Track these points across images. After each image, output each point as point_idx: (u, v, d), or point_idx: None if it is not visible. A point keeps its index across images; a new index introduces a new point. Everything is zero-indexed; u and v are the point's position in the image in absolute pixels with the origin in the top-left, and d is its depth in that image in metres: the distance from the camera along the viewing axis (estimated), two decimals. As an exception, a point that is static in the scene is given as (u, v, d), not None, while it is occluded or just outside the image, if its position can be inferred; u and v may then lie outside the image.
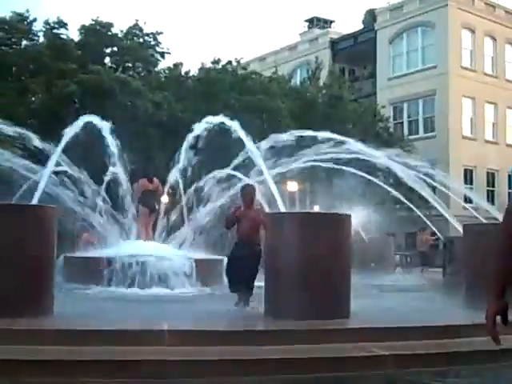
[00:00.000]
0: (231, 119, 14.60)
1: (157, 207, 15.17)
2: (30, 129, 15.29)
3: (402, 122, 42.34)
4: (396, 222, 35.04)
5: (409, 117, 42.32)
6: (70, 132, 12.39)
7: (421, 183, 15.44)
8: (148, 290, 11.71)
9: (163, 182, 15.78)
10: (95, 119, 14.23)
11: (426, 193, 15.59)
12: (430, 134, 40.15)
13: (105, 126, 14.44)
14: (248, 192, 9.63)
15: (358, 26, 51.60)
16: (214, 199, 15.78)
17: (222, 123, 14.69)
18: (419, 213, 19.94)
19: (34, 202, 9.10)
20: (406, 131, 41.09)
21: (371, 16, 47.12)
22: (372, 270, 18.62)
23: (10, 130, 14.69)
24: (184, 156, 15.20)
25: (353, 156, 15.68)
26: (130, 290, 11.67)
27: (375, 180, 20.81)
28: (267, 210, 14.43)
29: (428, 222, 18.71)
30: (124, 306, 9.63)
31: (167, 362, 6.10)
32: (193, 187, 16.38)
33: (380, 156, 15.28)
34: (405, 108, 42.51)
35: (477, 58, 40.89)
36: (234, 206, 10.00)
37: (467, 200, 21.76)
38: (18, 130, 14.57)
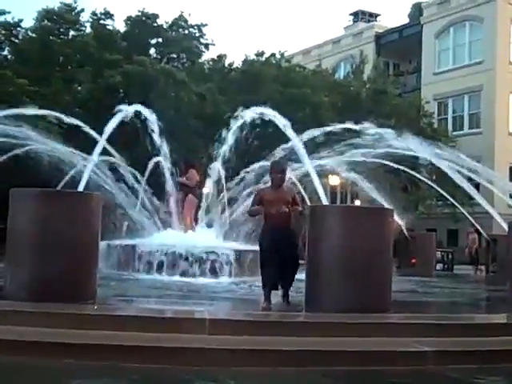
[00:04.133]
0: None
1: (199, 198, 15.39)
2: (77, 117, 15.51)
3: (446, 118, 41.80)
4: (438, 218, 34.71)
5: (454, 112, 41.75)
6: (114, 121, 12.52)
7: (465, 179, 15.22)
8: (190, 279, 11.82)
9: (205, 171, 15.91)
10: (140, 108, 14.38)
11: (470, 189, 15.37)
12: (476, 130, 39.58)
13: (150, 116, 14.59)
14: (277, 169, 8.18)
15: (403, 19, 51.06)
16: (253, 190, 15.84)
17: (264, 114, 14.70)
18: (462, 209, 19.68)
19: (80, 189, 9.22)
20: (450, 127, 40.55)
21: (417, 10, 46.53)
22: (413, 266, 18.48)
23: (57, 117, 14.93)
24: (227, 145, 15.25)
25: (397, 151, 15.53)
26: (171, 279, 11.79)
27: (418, 175, 20.61)
28: (308, 203, 14.42)
29: (471, 219, 18.44)
30: (165, 293, 9.73)
31: (207, 350, 6.14)
32: (235, 179, 16.46)
33: (424, 151, 15.09)
34: (450, 104, 41.94)
35: (526, 53, 40.08)
36: (258, 189, 8.64)
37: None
38: (65, 117, 14.79)
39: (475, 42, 40.63)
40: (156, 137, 14.92)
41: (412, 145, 14.54)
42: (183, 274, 12.12)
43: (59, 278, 7.41)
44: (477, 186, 17.86)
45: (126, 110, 13.73)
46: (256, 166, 16.36)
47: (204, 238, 13.98)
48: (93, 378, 5.56)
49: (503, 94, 38.73)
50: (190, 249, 12.36)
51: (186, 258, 12.22)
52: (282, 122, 12.38)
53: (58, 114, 14.83)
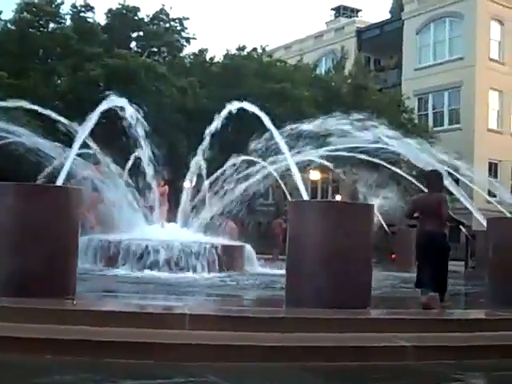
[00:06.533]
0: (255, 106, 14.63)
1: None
2: (56, 111, 15.37)
3: (426, 114, 41.95)
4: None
5: (434, 108, 41.92)
6: (95, 114, 12.40)
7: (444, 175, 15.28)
8: (168, 274, 11.78)
9: (186, 166, 15.93)
10: (121, 102, 14.28)
11: (449, 185, 15.43)
12: (455, 126, 39.77)
13: (130, 109, 14.51)
14: (433, 178, 8.93)
15: (385, 15, 51.16)
16: (233, 185, 15.86)
17: (244, 109, 14.70)
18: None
19: (59, 183, 9.12)
20: (430, 123, 40.71)
21: (399, 5, 46.65)
22: (393, 262, 18.58)
23: (37, 110, 14.79)
24: (207, 141, 15.24)
25: (376, 146, 15.57)
26: (150, 274, 11.74)
27: (398, 171, 20.66)
28: (289, 198, 14.44)
29: (451, 214, 18.52)
30: (145, 288, 9.70)
31: (187, 345, 6.13)
32: (216, 174, 16.46)
33: (399, 146, 15.11)
34: (430, 99, 42.09)
35: (505, 50, 40.34)
36: (420, 195, 9.28)
37: (491, 194, 21.55)
38: (45, 111, 14.65)
39: (455, 38, 40.81)
40: (138, 131, 14.85)
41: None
42: (161, 268, 12.08)
43: (38, 273, 7.34)
44: (456, 181, 17.95)
45: (106, 104, 13.62)
46: (237, 159, 16.40)
47: (183, 232, 13.97)
48: (73, 373, 5.52)
49: (483, 90, 38.98)
50: (169, 243, 12.32)
51: (163, 253, 12.18)
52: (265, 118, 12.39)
53: (32, 106, 14.65)
